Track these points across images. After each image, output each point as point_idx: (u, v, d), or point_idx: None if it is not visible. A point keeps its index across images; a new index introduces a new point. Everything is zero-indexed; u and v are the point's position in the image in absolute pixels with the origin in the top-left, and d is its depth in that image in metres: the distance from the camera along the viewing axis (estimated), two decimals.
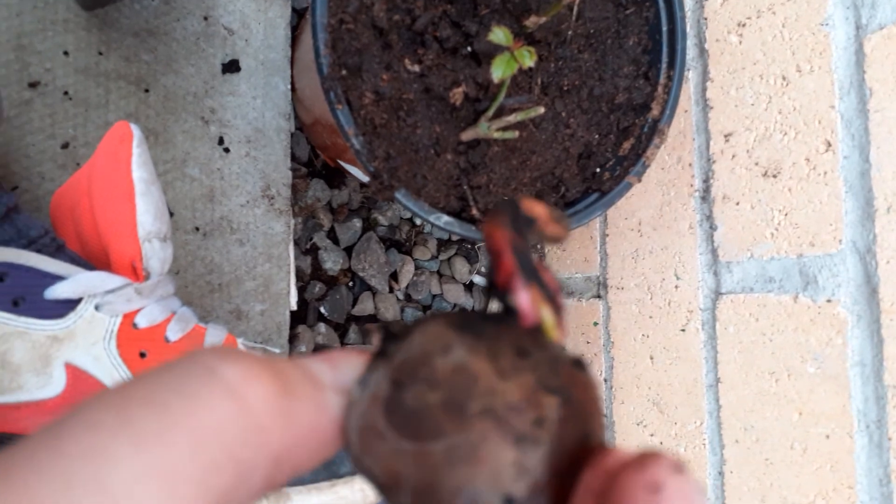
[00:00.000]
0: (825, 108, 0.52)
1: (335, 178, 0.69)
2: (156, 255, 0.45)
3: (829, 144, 0.52)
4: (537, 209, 0.18)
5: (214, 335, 0.49)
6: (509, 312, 0.17)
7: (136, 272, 0.44)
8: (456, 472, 0.13)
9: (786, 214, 0.55)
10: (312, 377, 0.16)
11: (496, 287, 0.17)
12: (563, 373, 0.15)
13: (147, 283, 0.45)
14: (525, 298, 0.16)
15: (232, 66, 0.58)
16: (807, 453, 0.52)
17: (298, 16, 0.64)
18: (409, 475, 0.14)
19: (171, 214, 0.56)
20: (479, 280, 0.77)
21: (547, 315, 0.16)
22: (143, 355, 0.46)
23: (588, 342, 0.72)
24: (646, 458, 0.13)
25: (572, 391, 0.15)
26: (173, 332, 0.47)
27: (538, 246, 0.73)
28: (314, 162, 0.68)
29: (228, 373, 0.15)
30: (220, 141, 0.58)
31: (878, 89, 0.49)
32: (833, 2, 0.52)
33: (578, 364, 0.16)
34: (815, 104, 0.53)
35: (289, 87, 0.62)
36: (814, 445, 0.51)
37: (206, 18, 0.57)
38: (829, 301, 0.51)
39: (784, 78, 0.55)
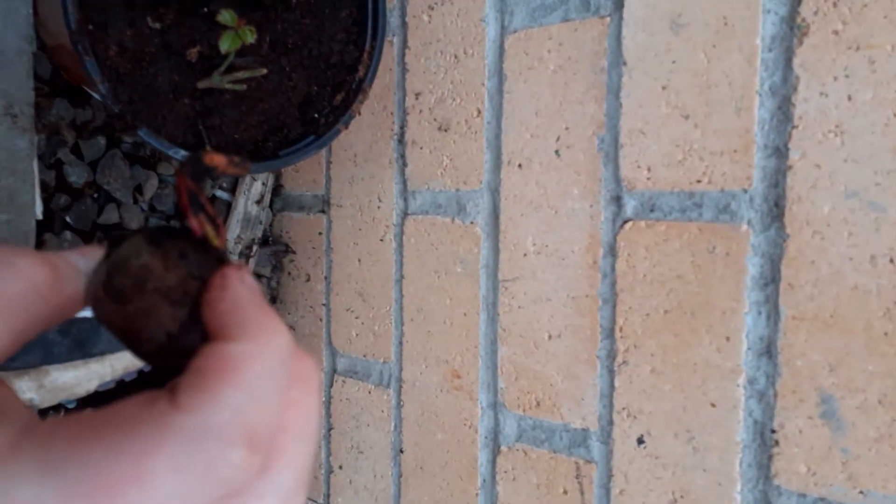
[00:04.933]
0: (479, 85, 0.73)
1: (79, 96, 0.74)
2: None
3: (479, 111, 0.73)
4: (216, 159, 0.28)
5: None
6: (185, 229, 0.27)
7: None
8: (139, 321, 0.24)
9: (451, 160, 0.75)
10: (73, 265, 0.26)
11: (178, 213, 0.27)
12: (208, 266, 0.26)
13: None
14: (193, 221, 0.27)
15: None
16: (453, 326, 0.75)
17: None
18: (117, 323, 0.25)
19: None
20: (220, 194, 0.89)
21: (210, 231, 0.27)
22: None
23: (313, 248, 0.90)
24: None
25: (210, 276, 0.26)
26: None
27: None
28: (57, 81, 0.73)
29: (21, 262, 0.23)
30: None
31: (511, 76, 0.70)
32: (489, 4, 0.72)
33: (219, 260, 0.27)
34: (473, 80, 0.73)
35: (31, 11, 0.66)
36: (457, 321, 0.75)
37: None
38: (472, 223, 0.74)
39: (455, 56, 0.74)
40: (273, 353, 0.22)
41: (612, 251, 0.65)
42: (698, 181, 0.59)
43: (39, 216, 0.71)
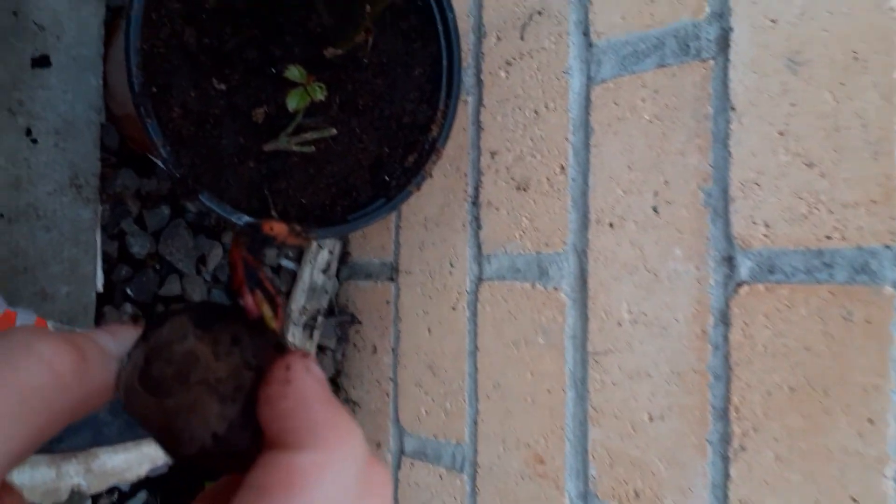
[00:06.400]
0: (562, 140, 0.67)
1: (145, 166, 0.72)
2: None
3: (563, 168, 0.67)
4: (277, 229, 0.25)
5: (25, 318, 0.53)
6: (238, 308, 0.24)
7: None
8: (180, 419, 0.21)
9: (531, 220, 0.69)
10: (101, 348, 0.23)
11: (232, 290, 0.24)
12: (264, 354, 0.23)
13: None
14: (249, 300, 0.23)
15: (42, 61, 0.60)
16: (535, 404, 0.67)
17: (113, 13, 0.67)
18: (154, 419, 0.21)
19: None
20: (286, 263, 0.85)
21: (267, 311, 0.24)
22: None
23: (381, 318, 0.84)
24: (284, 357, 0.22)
25: (267, 366, 0.22)
26: None
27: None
28: (124, 150, 0.71)
29: (41, 348, 0.21)
30: (28, 132, 0.60)
31: (598, 129, 0.65)
32: (573, 55, 0.67)
33: (278, 347, 0.23)
34: (556, 135, 0.68)
35: (101, 82, 0.65)
36: (540, 398, 0.67)
37: (15, 14, 0.59)
38: (555, 289, 0.67)
39: (535, 112, 0.69)
40: (347, 464, 0.19)
41: (725, 319, 0.56)
42: (828, 237, 0.51)
43: (100, 288, 0.68)
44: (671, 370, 0.59)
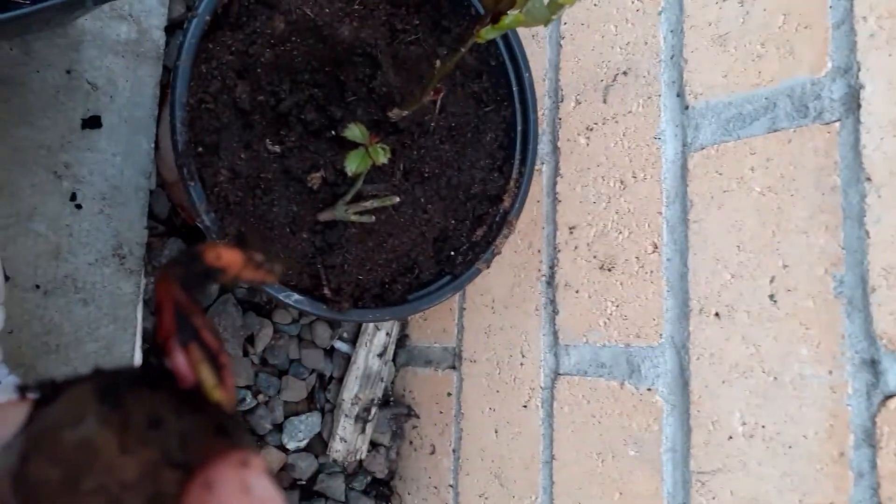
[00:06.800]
0: (654, 214, 0.59)
1: (195, 236, 0.68)
2: None
3: (656, 246, 0.58)
4: (227, 257, 0.18)
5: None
6: (165, 372, 0.17)
7: None
8: None
9: (617, 306, 0.60)
10: None
11: (157, 346, 0.17)
12: (195, 443, 0.15)
13: None
14: (179, 359, 0.17)
15: (93, 122, 0.57)
16: None
17: (171, 74, 0.64)
18: None
19: (7, 278, 0.53)
20: (340, 346, 0.78)
21: (207, 376, 0.17)
22: None
23: (441, 412, 0.75)
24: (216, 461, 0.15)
25: (201, 460, 0.15)
26: None
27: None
28: (174, 220, 0.67)
29: None
30: (73, 197, 0.57)
31: (698, 202, 0.56)
32: (665, 119, 0.59)
33: (221, 429, 0.16)
34: (646, 209, 0.59)
35: (152, 145, 0.61)
36: None
37: (69, 72, 0.56)
38: (649, 389, 0.56)
39: (622, 182, 0.61)
40: None
41: (870, 439, 0.45)
42: None
43: None
44: (800, 501, 0.47)
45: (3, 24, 0.35)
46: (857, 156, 0.47)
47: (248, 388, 0.71)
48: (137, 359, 0.62)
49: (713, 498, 0.51)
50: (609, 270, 0.61)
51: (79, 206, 0.57)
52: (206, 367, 0.16)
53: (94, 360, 0.59)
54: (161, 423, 0.15)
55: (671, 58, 0.59)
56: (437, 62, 0.54)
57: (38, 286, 0.56)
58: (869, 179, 0.47)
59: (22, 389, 0.17)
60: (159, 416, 0.15)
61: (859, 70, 0.48)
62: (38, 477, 0.14)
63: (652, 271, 0.58)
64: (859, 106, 0.48)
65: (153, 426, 0.15)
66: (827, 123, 0.49)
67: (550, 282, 0.66)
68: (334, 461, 0.75)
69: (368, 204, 0.50)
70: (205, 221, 0.45)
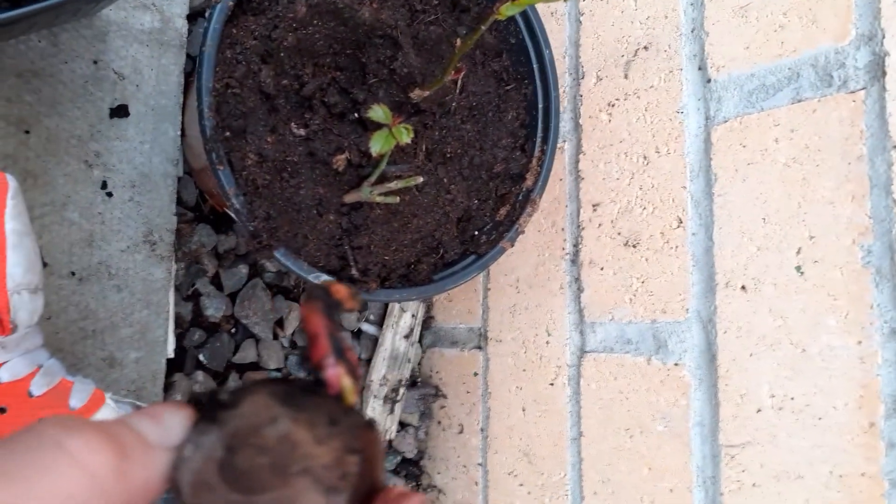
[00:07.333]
0: (678, 188, 0.58)
1: (223, 222, 0.69)
2: (24, 308, 0.44)
3: (681, 221, 0.58)
4: (341, 292, 0.23)
5: (81, 390, 0.48)
6: (319, 382, 0.21)
7: (2, 325, 0.43)
8: None
9: (643, 282, 0.60)
10: (142, 438, 0.19)
11: (311, 362, 0.21)
12: (361, 435, 0.20)
13: (13, 337, 0.44)
14: (333, 375, 0.21)
15: (120, 111, 0.58)
16: None
17: (194, 62, 0.65)
18: None
19: (45, 264, 0.55)
20: (367, 328, 0.78)
21: (347, 384, 0.21)
22: (2, 410, 0.44)
23: (468, 392, 0.75)
24: (401, 495, 0.19)
25: (367, 449, 0.20)
26: (37, 387, 0.46)
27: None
28: (202, 206, 0.68)
29: (73, 445, 0.17)
30: (104, 185, 0.58)
31: (722, 175, 0.56)
32: (687, 93, 0.59)
33: (370, 425, 0.21)
34: (670, 184, 0.59)
35: (179, 133, 0.62)
36: (660, 499, 0.56)
37: (95, 62, 0.57)
38: (676, 365, 0.56)
39: (645, 157, 0.61)
40: None
41: None
42: None
43: (171, 354, 0.63)
44: (830, 472, 0.47)
45: (37, 14, 0.36)
46: (884, 124, 0.47)
47: (278, 370, 0.72)
48: (171, 343, 0.63)
49: (743, 471, 0.51)
50: (634, 247, 0.61)
51: (109, 195, 0.58)
52: (347, 378, 0.21)
53: (128, 344, 0.60)
54: (337, 421, 0.20)
55: (692, 31, 0.59)
56: (458, 41, 0.54)
57: (73, 273, 0.57)
58: None
59: (191, 400, 0.21)
60: (334, 416, 0.20)
61: (884, 37, 0.48)
62: (248, 465, 0.18)
63: (677, 246, 0.58)
64: (885, 73, 0.47)
65: (332, 423, 0.20)
66: (852, 92, 0.49)
67: (575, 260, 0.66)
68: None
69: (393, 185, 0.51)
70: (234, 205, 0.46)
